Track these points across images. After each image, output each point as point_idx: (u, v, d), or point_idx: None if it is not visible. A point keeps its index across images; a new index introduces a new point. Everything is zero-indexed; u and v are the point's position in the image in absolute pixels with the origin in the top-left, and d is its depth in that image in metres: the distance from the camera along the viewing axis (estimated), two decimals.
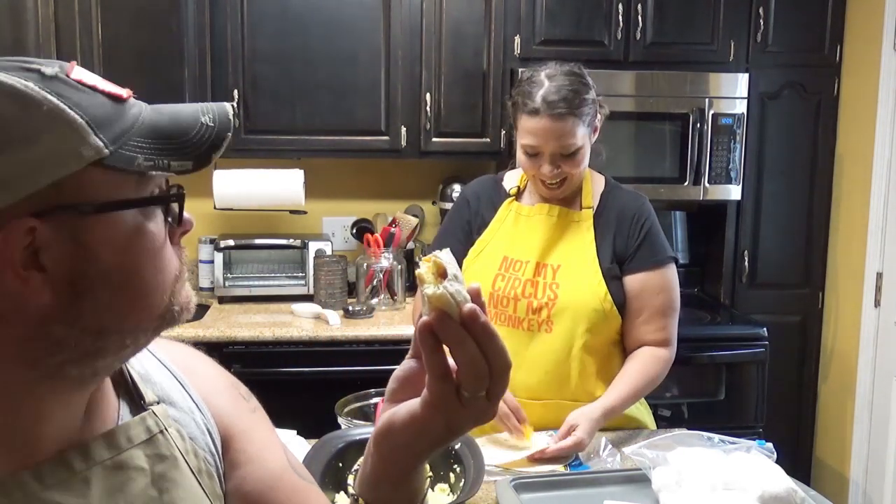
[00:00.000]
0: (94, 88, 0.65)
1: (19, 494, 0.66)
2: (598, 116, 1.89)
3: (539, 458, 1.73)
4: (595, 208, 1.93)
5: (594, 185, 1.96)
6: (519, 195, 1.99)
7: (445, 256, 0.67)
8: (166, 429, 0.77)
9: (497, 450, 1.77)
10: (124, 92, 0.67)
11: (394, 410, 0.70)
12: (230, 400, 0.88)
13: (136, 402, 0.78)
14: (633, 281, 1.89)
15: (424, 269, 0.67)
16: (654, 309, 1.89)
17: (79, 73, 0.65)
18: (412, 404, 0.69)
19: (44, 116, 0.60)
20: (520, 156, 1.87)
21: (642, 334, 1.90)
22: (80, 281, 0.64)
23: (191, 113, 0.68)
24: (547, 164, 1.83)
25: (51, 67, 0.64)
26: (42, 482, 0.67)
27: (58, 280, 0.63)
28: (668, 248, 1.94)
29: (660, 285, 1.89)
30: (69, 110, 0.61)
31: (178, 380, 0.84)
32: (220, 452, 0.84)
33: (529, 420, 1.82)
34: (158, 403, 0.79)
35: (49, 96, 0.61)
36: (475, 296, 0.66)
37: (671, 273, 1.91)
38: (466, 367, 0.65)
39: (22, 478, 0.66)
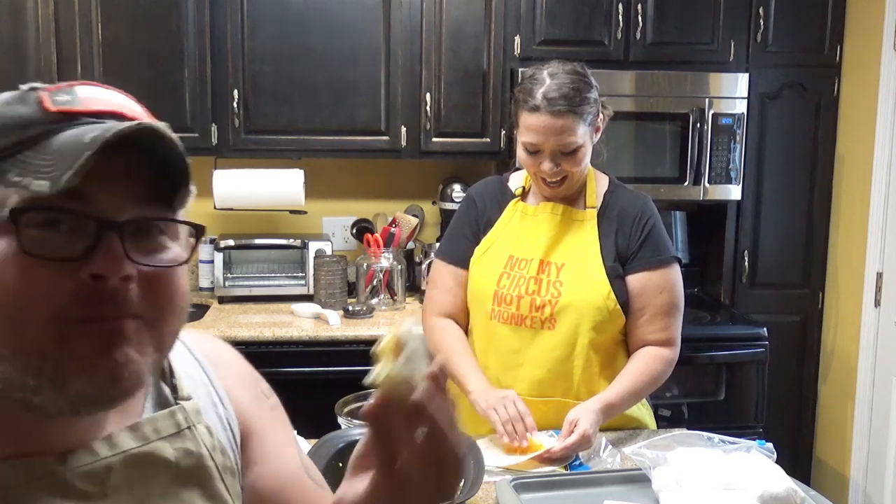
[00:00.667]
0: (40, 103, 0.66)
1: (41, 472, 0.67)
2: (601, 116, 1.89)
3: (546, 459, 1.72)
4: (598, 207, 1.93)
5: (598, 185, 1.96)
6: (524, 196, 1.99)
7: (411, 331, 0.64)
8: (195, 425, 0.77)
9: (500, 451, 1.76)
10: (74, 106, 0.67)
11: (342, 494, 0.70)
12: (252, 396, 0.88)
13: (163, 396, 0.78)
14: (635, 280, 1.89)
15: (384, 343, 0.64)
16: (656, 308, 1.88)
17: (50, 96, 0.67)
18: (360, 485, 0.68)
19: None
20: (520, 153, 1.87)
21: (645, 334, 1.90)
22: None
23: (79, 133, 0.65)
24: (547, 161, 1.83)
25: (32, 85, 0.67)
26: (65, 464, 0.68)
27: None
28: (671, 248, 1.93)
29: (662, 285, 1.89)
30: None
31: (205, 372, 0.84)
32: (240, 448, 0.84)
33: (533, 419, 1.82)
34: (189, 399, 0.79)
35: None
36: (437, 373, 0.64)
37: (674, 273, 1.91)
38: (411, 456, 0.64)
39: (47, 459, 0.68)
